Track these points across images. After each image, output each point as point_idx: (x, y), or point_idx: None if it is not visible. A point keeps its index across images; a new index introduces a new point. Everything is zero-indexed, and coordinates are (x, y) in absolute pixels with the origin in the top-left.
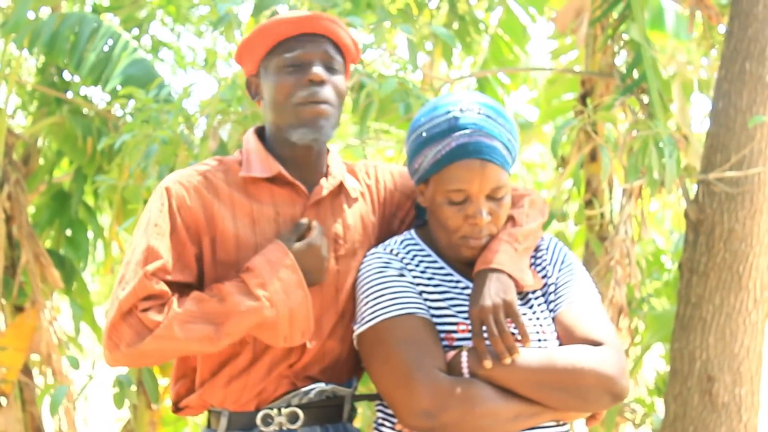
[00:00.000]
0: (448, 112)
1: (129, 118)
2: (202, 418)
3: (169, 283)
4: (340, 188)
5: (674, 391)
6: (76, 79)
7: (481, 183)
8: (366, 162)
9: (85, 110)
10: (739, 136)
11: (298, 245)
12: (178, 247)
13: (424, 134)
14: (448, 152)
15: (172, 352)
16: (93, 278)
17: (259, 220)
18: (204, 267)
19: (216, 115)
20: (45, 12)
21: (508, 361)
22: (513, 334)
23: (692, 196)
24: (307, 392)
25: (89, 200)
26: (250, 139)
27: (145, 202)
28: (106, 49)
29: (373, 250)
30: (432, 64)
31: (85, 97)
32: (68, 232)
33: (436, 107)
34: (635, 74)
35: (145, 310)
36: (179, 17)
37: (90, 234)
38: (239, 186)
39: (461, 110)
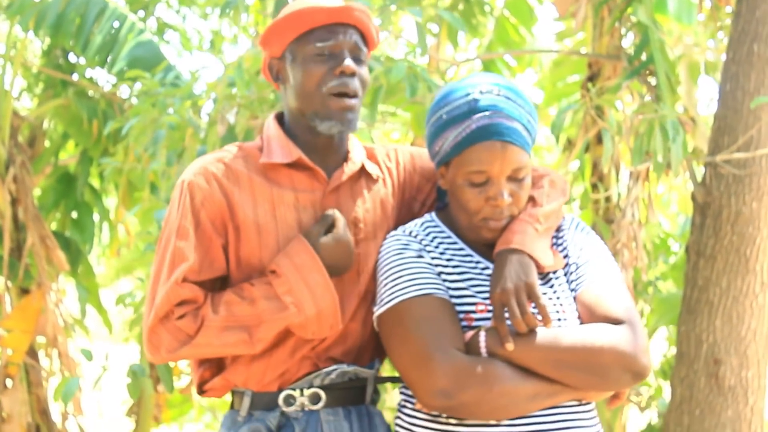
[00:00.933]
0: (468, 94)
1: (134, 101)
2: (208, 402)
3: (200, 282)
4: (361, 172)
5: (680, 374)
6: (82, 61)
7: (502, 164)
8: (386, 145)
9: (90, 92)
10: (746, 119)
11: (325, 241)
12: (204, 242)
13: (444, 116)
14: (468, 134)
15: (210, 354)
16: (98, 260)
17: (279, 205)
18: (229, 255)
19: (224, 99)
20: None
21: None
22: (534, 314)
23: (699, 178)
24: (329, 373)
25: (95, 183)
26: (271, 125)
27: (152, 185)
28: (112, 31)
29: (392, 233)
30: (438, 47)
31: (90, 80)
32: (74, 215)
33: (455, 89)
34: (643, 57)
35: (181, 316)
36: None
37: (96, 216)
38: (259, 171)
39: (481, 92)
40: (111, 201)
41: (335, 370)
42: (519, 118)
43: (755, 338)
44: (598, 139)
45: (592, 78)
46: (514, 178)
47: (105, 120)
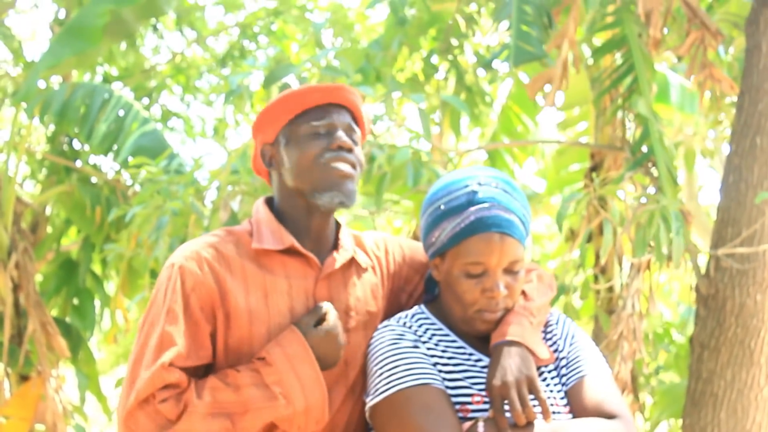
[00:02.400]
0: (466, 186)
1: (137, 188)
2: None
3: (185, 368)
4: (351, 260)
5: None
6: (86, 148)
7: (500, 256)
8: (375, 233)
9: (93, 179)
10: (749, 211)
11: (315, 333)
12: (192, 328)
13: (442, 207)
14: (467, 225)
15: None
16: (99, 347)
17: (272, 292)
18: (217, 342)
19: (227, 186)
20: (55, 81)
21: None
22: (533, 408)
23: (702, 270)
24: None
25: (96, 269)
26: (260, 209)
27: (153, 272)
28: (116, 119)
29: (385, 323)
30: (441, 136)
31: (94, 166)
32: (75, 301)
33: (453, 182)
34: (644, 148)
35: (163, 400)
36: (189, 87)
37: (97, 303)
38: (251, 257)
39: (479, 184)
40: (112, 288)
41: None
42: (516, 211)
43: (760, 431)
44: (601, 230)
45: (594, 168)
46: (510, 271)
47: (108, 207)
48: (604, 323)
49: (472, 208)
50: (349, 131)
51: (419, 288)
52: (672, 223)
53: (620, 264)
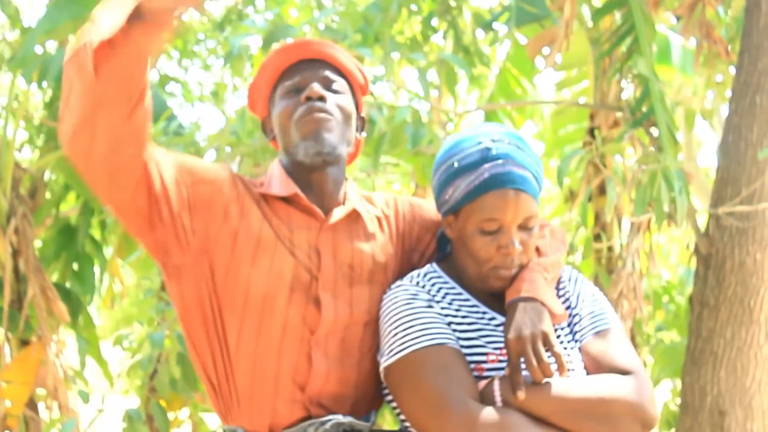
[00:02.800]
0: (480, 142)
1: None
2: None
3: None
4: (358, 216)
5: (685, 426)
6: None
7: (515, 212)
8: (384, 193)
9: None
10: (749, 170)
11: None
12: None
13: (455, 164)
14: (481, 182)
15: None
16: (98, 312)
17: (275, 227)
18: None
19: (226, 148)
20: (51, 47)
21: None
22: (549, 363)
23: (702, 229)
24: (323, 422)
25: (96, 234)
26: (274, 166)
27: None
28: None
29: (398, 283)
30: (439, 99)
31: None
32: (75, 266)
33: (465, 138)
34: (643, 108)
35: None
36: (186, 51)
37: (96, 268)
38: (259, 200)
39: (492, 140)
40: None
41: (330, 420)
42: (529, 167)
43: (760, 389)
44: (601, 190)
45: (593, 128)
46: (525, 227)
47: None
48: (604, 282)
49: (487, 165)
50: (326, 82)
51: (431, 247)
52: (674, 182)
53: (620, 224)
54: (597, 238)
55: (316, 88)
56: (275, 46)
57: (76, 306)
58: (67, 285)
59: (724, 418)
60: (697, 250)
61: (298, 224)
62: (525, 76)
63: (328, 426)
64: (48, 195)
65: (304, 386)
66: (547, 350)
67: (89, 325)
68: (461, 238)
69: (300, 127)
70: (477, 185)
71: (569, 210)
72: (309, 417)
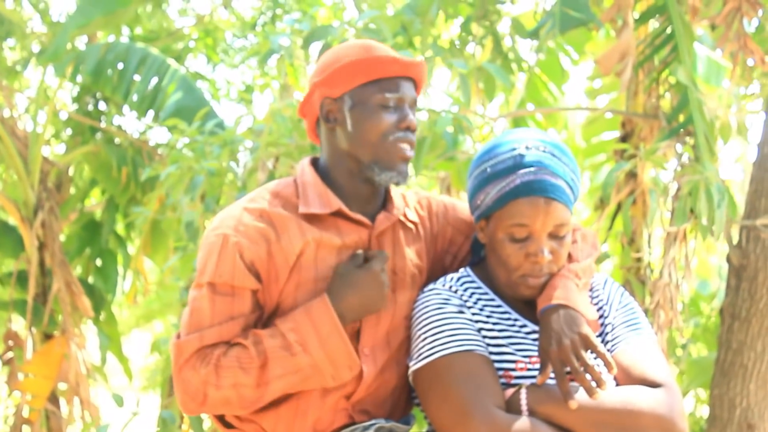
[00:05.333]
0: (514, 149)
1: (160, 150)
2: None
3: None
4: (400, 220)
5: None
6: (108, 108)
7: (545, 220)
8: (418, 192)
9: (117, 140)
10: None
11: (356, 273)
12: (235, 299)
13: (488, 170)
14: (512, 189)
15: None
16: (120, 308)
17: (322, 247)
18: (267, 298)
19: (266, 147)
20: (80, 42)
21: (597, 396)
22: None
23: (734, 241)
24: (366, 428)
25: (120, 231)
26: (306, 171)
27: (177, 234)
28: (155, 79)
29: (431, 286)
30: (467, 104)
31: (119, 127)
32: (98, 262)
33: (500, 144)
34: (680, 117)
35: (203, 357)
36: (214, 50)
37: (119, 264)
38: (302, 217)
39: (527, 147)
40: (133, 250)
41: (373, 425)
42: (563, 176)
43: None
44: (633, 200)
45: (624, 138)
46: (555, 236)
47: (134, 168)
48: (636, 291)
49: (519, 172)
50: (414, 106)
51: (464, 249)
52: (715, 194)
53: (649, 234)
54: (624, 247)
55: (414, 119)
56: (316, 46)
57: (99, 301)
58: (90, 280)
59: (752, 431)
60: (729, 262)
61: (347, 232)
62: (555, 83)
63: (372, 430)
64: (73, 190)
65: (350, 395)
66: (591, 353)
67: (111, 321)
68: (491, 244)
69: (393, 155)
70: (507, 192)
71: (598, 219)
72: (352, 423)
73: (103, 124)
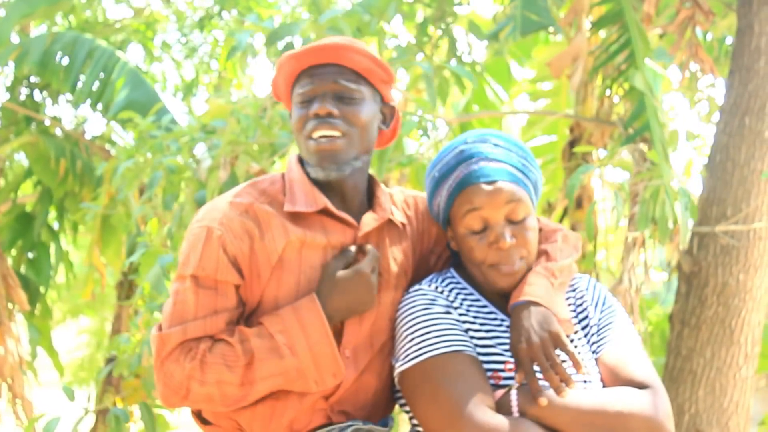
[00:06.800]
0: (455, 147)
1: (103, 144)
2: None
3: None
4: (388, 223)
5: None
6: (48, 99)
7: (493, 203)
8: (405, 191)
9: (58, 131)
10: (735, 191)
11: (344, 274)
12: (217, 293)
13: (436, 174)
14: (456, 183)
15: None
16: (52, 302)
17: (307, 246)
18: (249, 295)
19: (227, 145)
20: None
21: (565, 394)
22: (563, 364)
23: (685, 248)
24: (343, 429)
25: (52, 223)
26: (294, 168)
27: (130, 229)
28: (103, 71)
29: (416, 287)
30: (404, 104)
31: (54, 118)
32: (30, 255)
33: (445, 148)
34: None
35: (189, 350)
36: (150, 44)
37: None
38: (288, 215)
39: (466, 142)
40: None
41: (350, 426)
42: (507, 161)
43: (737, 410)
44: (577, 203)
45: (573, 142)
46: (513, 220)
47: (72, 160)
48: None
49: (460, 167)
50: (339, 90)
51: (447, 249)
52: (681, 198)
53: (595, 238)
54: None
55: (324, 106)
56: (281, 44)
57: (34, 294)
58: (23, 273)
59: None
60: (679, 268)
61: (333, 231)
62: (502, 86)
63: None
64: (3, 182)
65: (329, 395)
66: (560, 351)
67: (46, 314)
68: (459, 245)
69: (309, 149)
70: (453, 187)
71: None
72: (329, 423)
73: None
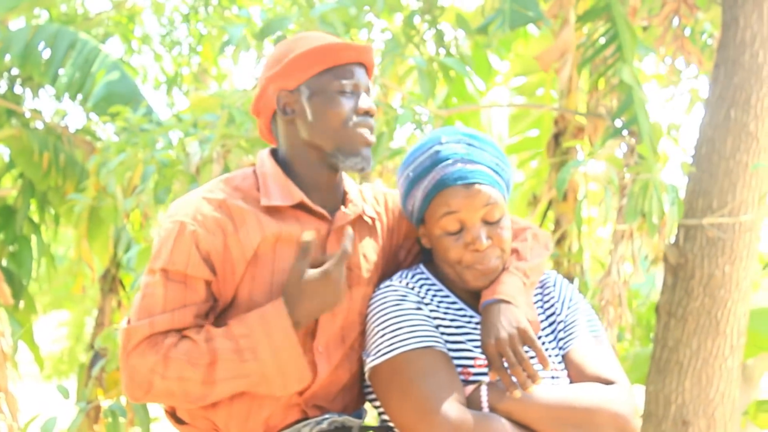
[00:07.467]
0: (430, 147)
1: (87, 138)
2: None
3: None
4: (360, 218)
5: None
6: (28, 92)
7: (470, 205)
8: (374, 187)
9: (39, 124)
10: (721, 183)
11: (312, 276)
12: (188, 290)
13: (410, 174)
14: (433, 185)
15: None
16: (34, 295)
17: (282, 240)
18: (222, 291)
19: (220, 138)
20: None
21: (531, 389)
22: (531, 361)
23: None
24: (319, 422)
25: (34, 216)
26: (266, 162)
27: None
28: (84, 64)
29: (387, 283)
30: (385, 95)
31: (34, 110)
32: (11, 248)
33: (418, 147)
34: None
35: (154, 344)
36: (129, 36)
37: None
38: (262, 210)
39: (441, 143)
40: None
41: (326, 419)
42: (483, 162)
43: (723, 401)
44: (564, 196)
45: (557, 135)
46: (489, 221)
47: (56, 153)
48: (582, 289)
49: (437, 168)
50: (368, 91)
51: (417, 245)
52: (669, 192)
53: (579, 231)
54: (558, 243)
55: (372, 104)
56: (273, 37)
57: (18, 288)
58: (4, 265)
59: (687, 427)
60: (666, 260)
61: (307, 224)
62: (483, 79)
63: (324, 425)
64: None
65: (304, 391)
66: (528, 348)
67: (30, 308)
68: (433, 244)
69: (356, 141)
70: (430, 189)
71: (531, 214)
72: (304, 418)
73: (23, 109)
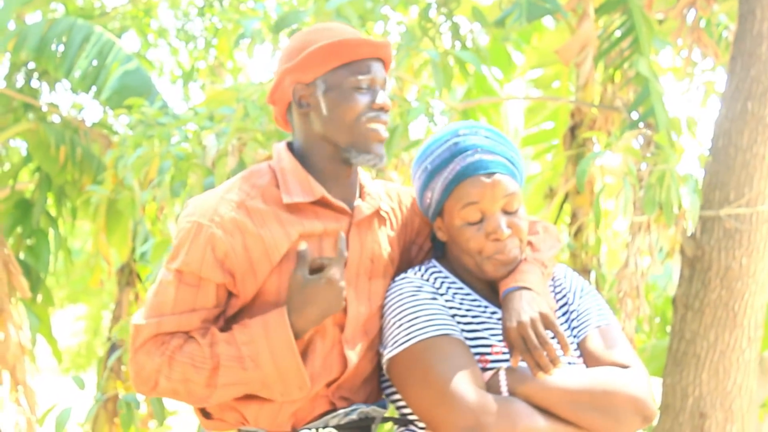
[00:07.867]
0: (447, 140)
1: (120, 130)
2: None
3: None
4: (378, 211)
5: (665, 427)
6: (45, 86)
7: (492, 195)
8: (386, 183)
9: (56, 118)
10: (738, 175)
11: (315, 283)
12: (201, 292)
13: (428, 167)
14: (454, 175)
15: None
16: (52, 289)
17: (305, 237)
18: (242, 292)
19: (236, 131)
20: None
21: (552, 372)
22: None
23: (688, 232)
24: (348, 413)
25: (51, 210)
26: (284, 157)
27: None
28: (98, 57)
29: (402, 275)
30: (401, 89)
31: (51, 104)
32: (29, 241)
33: (435, 140)
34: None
35: (162, 344)
36: (146, 30)
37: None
38: (282, 207)
39: (459, 135)
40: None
41: (355, 410)
42: (501, 153)
43: (740, 393)
44: (576, 189)
45: (574, 128)
46: (509, 211)
47: (72, 146)
48: (599, 280)
49: (457, 158)
50: (384, 86)
51: (429, 241)
52: (688, 183)
53: (597, 224)
54: (575, 235)
55: (387, 100)
56: (287, 30)
57: (35, 281)
58: (22, 259)
59: (704, 420)
60: (683, 252)
61: (327, 218)
62: (502, 72)
63: (354, 416)
64: (4, 167)
65: (331, 383)
66: (549, 331)
67: (48, 301)
68: (451, 236)
69: (369, 137)
70: (451, 179)
71: (547, 207)
72: (333, 410)
73: (40, 103)
